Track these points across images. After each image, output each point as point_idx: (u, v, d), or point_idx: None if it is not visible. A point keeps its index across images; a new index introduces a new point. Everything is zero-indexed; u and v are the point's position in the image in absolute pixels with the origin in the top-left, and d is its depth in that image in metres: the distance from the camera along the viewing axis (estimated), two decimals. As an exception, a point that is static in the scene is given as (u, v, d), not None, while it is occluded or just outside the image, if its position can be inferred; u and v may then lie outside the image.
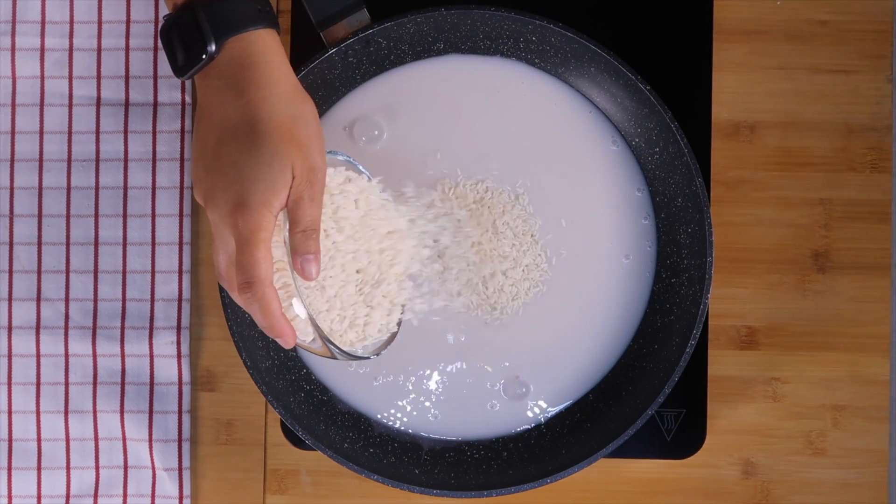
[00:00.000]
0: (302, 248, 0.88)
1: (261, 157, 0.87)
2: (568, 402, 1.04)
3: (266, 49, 0.90)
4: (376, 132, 1.03)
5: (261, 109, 0.88)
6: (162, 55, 1.05)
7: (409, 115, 1.03)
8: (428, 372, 1.03)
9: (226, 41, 0.89)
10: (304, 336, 0.92)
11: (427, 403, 1.04)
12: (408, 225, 0.98)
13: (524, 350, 1.03)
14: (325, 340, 0.90)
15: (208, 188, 0.88)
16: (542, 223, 1.03)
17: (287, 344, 0.89)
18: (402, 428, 1.04)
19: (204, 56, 0.89)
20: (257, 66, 0.89)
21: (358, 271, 0.95)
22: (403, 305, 0.98)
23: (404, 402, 1.04)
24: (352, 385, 1.04)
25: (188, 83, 1.05)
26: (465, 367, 1.03)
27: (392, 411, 1.04)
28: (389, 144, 1.03)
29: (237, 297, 0.89)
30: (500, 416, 1.04)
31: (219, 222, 0.88)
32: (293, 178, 0.88)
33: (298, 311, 0.90)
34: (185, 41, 0.90)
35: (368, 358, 0.95)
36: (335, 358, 0.93)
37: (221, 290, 0.99)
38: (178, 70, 0.91)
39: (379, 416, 1.04)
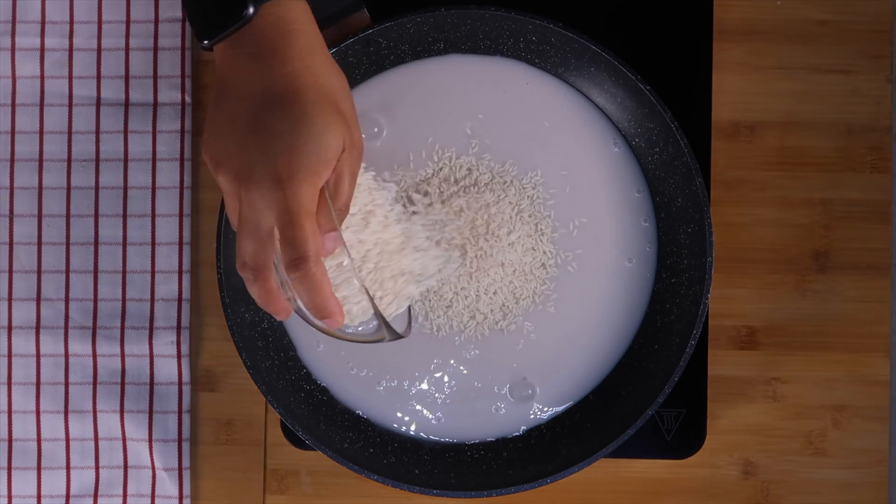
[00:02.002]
0: (331, 224, 0.85)
1: (313, 126, 0.83)
2: (569, 403, 1.04)
3: (303, 17, 0.86)
4: (375, 129, 1.03)
5: (307, 79, 0.84)
6: (162, 55, 1.05)
7: (408, 113, 1.03)
8: (435, 376, 1.03)
9: (262, 5, 0.85)
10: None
11: (431, 407, 1.04)
12: (415, 229, 0.98)
13: (531, 352, 1.03)
14: (379, 316, 0.87)
15: (244, 164, 0.83)
16: (548, 223, 1.03)
17: (337, 323, 0.85)
18: (405, 431, 1.04)
19: (240, 20, 0.85)
20: (297, 35, 0.85)
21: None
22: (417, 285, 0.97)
23: (408, 406, 1.04)
24: (354, 390, 1.04)
25: (188, 82, 1.05)
26: (472, 370, 1.03)
27: (395, 416, 1.04)
28: (388, 141, 1.03)
29: (259, 289, 0.85)
30: (503, 418, 1.04)
31: (257, 200, 0.83)
32: (342, 150, 0.84)
33: (352, 287, 0.88)
34: (217, 4, 0.85)
35: (403, 336, 0.93)
36: (378, 340, 0.90)
37: (222, 289, 0.99)
38: (207, 34, 0.86)
39: (381, 420, 1.04)
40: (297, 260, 0.83)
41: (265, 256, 0.84)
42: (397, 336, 0.90)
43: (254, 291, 0.86)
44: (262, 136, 0.83)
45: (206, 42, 0.86)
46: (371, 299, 0.87)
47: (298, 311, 0.90)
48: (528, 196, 1.03)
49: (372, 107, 1.03)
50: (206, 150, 0.86)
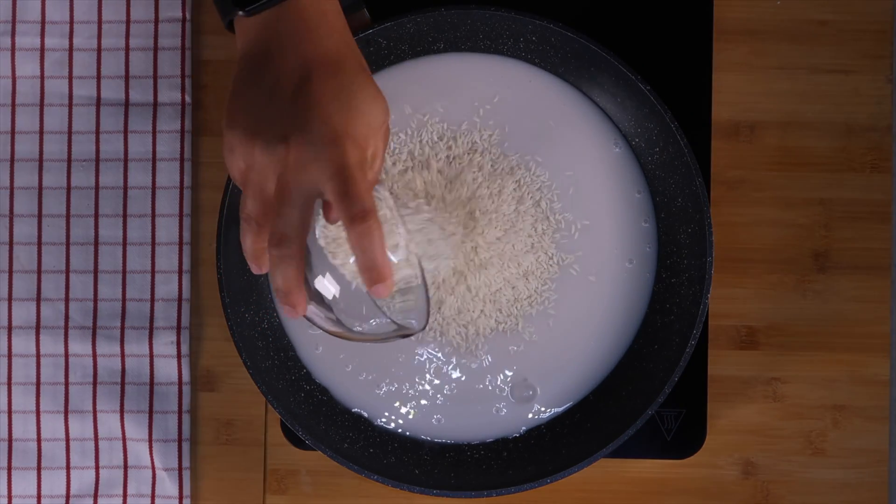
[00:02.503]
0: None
1: (364, 92, 0.84)
2: (569, 404, 1.04)
3: (336, 0, 0.89)
4: None
5: (350, 52, 0.86)
6: (162, 55, 1.05)
7: (407, 109, 1.03)
8: (436, 379, 1.03)
9: None
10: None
11: (432, 409, 1.04)
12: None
13: (532, 353, 1.03)
14: (425, 285, 0.87)
15: (293, 126, 0.82)
16: (549, 223, 1.03)
17: (387, 289, 0.84)
18: (405, 432, 1.04)
19: None
20: (335, 14, 0.87)
21: None
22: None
23: (408, 408, 1.04)
24: (355, 392, 1.04)
25: (188, 82, 1.05)
26: (473, 372, 1.03)
27: (396, 418, 1.04)
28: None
29: (290, 272, 0.82)
30: (504, 419, 1.04)
31: (309, 161, 0.82)
32: (383, 122, 0.85)
33: (402, 255, 0.87)
34: None
35: (420, 330, 0.92)
36: (388, 339, 0.89)
37: (222, 289, 0.99)
38: (246, 3, 0.85)
39: (382, 423, 1.04)
40: (361, 212, 0.82)
41: (306, 228, 0.83)
42: (424, 326, 0.90)
43: (283, 274, 0.84)
44: (313, 100, 0.83)
45: (241, 12, 0.86)
46: (420, 265, 0.86)
47: (310, 316, 0.89)
48: (530, 196, 1.02)
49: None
50: (235, 123, 0.84)
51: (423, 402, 1.03)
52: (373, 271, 0.83)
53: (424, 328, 0.90)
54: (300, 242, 0.83)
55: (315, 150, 0.82)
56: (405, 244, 0.87)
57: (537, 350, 1.03)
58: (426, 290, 0.87)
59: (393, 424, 1.04)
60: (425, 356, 1.03)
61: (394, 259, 0.87)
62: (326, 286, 0.88)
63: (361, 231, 0.82)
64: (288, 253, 0.83)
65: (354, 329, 0.91)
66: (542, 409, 1.04)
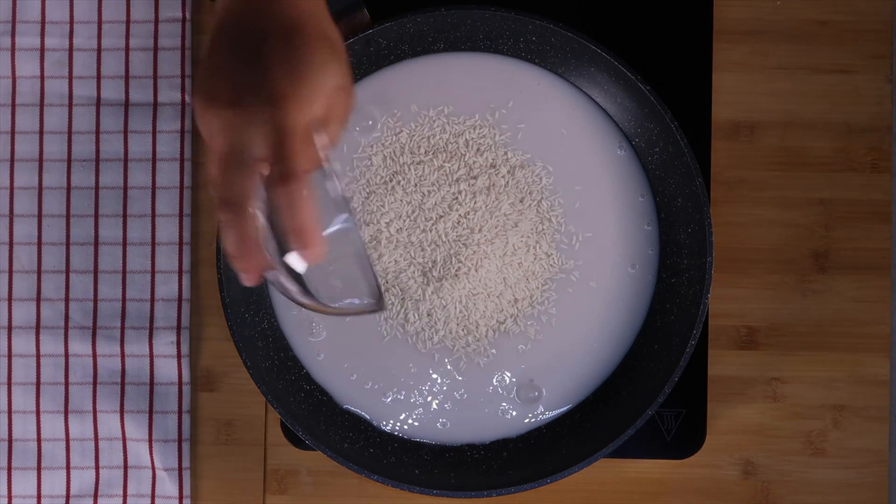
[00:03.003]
0: (317, 161, 0.85)
1: (314, 56, 0.84)
2: (571, 405, 1.04)
3: None
4: (370, 122, 1.03)
5: (312, 20, 0.86)
6: (162, 55, 1.05)
7: (405, 108, 1.03)
8: (446, 383, 1.03)
9: None
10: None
11: (439, 413, 1.03)
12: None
13: (537, 354, 1.03)
14: (367, 269, 0.87)
15: (240, 89, 0.83)
16: (552, 224, 1.03)
17: (315, 256, 0.83)
18: (408, 437, 1.04)
19: None
20: None
21: None
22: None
23: (414, 414, 1.03)
24: (359, 399, 1.04)
25: (188, 82, 1.05)
26: (479, 375, 1.03)
27: (401, 425, 1.03)
28: (383, 136, 1.03)
29: (235, 235, 0.82)
30: (507, 421, 1.04)
31: (248, 123, 0.82)
32: (338, 89, 0.85)
33: (338, 227, 0.86)
34: None
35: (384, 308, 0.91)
36: (358, 313, 0.89)
37: (222, 289, 0.99)
38: None
39: (386, 427, 1.04)
40: (286, 173, 0.82)
41: (249, 187, 0.83)
42: (380, 301, 0.89)
43: (229, 238, 0.84)
44: (262, 63, 0.84)
45: None
46: (362, 240, 0.85)
47: (276, 284, 0.88)
48: (534, 199, 1.02)
49: (367, 100, 1.03)
50: (198, 92, 0.85)
51: (432, 408, 1.03)
52: (298, 233, 0.83)
53: (383, 307, 0.89)
54: (242, 200, 0.82)
55: (254, 112, 0.82)
56: (345, 219, 0.87)
57: (542, 351, 1.03)
58: (369, 267, 0.86)
59: (398, 432, 1.04)
60: (432, 362, 1.03)
61: (331, 229, 0.86)
62: (295, 261, 0.87)
63: (285, 192, 0.82)
64: (230, 216, 0.83)
65: (332, 304, 0.90)
66: (546, 409, 1.04)
